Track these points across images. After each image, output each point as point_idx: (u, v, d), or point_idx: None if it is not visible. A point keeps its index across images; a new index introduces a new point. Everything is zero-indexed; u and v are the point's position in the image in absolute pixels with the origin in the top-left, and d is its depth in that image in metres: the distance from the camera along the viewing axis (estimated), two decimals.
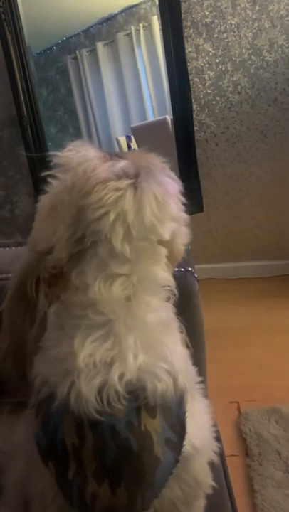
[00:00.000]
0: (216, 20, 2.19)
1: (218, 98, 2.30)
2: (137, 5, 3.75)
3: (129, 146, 3.75)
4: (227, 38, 2.21)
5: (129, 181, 0.53)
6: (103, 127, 4.22)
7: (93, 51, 4.03)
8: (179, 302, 0.59)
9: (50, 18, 3.31)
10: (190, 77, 2.27)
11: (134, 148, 3.55)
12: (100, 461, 0.48)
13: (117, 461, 0.48)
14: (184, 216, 0.59)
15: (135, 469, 0.48)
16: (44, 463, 0.51)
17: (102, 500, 0.48)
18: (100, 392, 0.49)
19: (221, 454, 0.78)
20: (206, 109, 2.33)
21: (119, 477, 0.48)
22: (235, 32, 2.19)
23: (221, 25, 2.19)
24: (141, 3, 3.73)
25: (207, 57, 2.25)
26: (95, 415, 0.48)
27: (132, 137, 3.61)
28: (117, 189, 0.52)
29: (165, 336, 0.54)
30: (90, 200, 0.52)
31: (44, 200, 0.57)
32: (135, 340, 0.51)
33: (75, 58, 4.14)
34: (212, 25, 2.20)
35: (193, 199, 2.33)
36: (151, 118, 3.89)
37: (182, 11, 2.18)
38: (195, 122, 2.34)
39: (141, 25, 3.74)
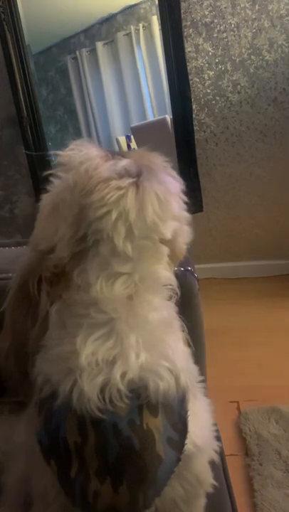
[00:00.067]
0: (216, 20, 2.19)
1: (217, 98, 2.30)
2: (136, 5, 3.74)
3: (128, 146, 3.75)
4: (227, 37, 2.21)
5: (131, 180, 0.53)
6: (103, 127, 4.22)
7: (93, 51, 4.03)
8: (178, 302, 0.59)
9: (49, 18, 3.31)
10: (190, 77, 2.27)
11: (134, 148, 3.55)
12: (102, 460, 0.48)
13: (119, 460, 0.48)
14: (186, 215, 0.59)
15: (137, 468, 0.48)
16: (46, 461, 0.51)
17: (104, 498, 0.48)
18: (102, 390, 0.49)
19: (221, 454, 0.78)
20: (206, 109, 2.33)
21: (121, 475, 0.48)
22: (234, 32, 2.19)
23: (220, 25, 2.20)
24: (140, 3, 3.73)
25: (207, 57, 2.25)
26: (97, 413, 0.48)
27: (132, 137, 3.61)
28: (119, 188, 0.52)
29: (167, 335, 0.54)
30: (92, 199, 0.52)
31: (46, 199, 0.57)
32: (137, 339, 0.51)
33: (75, 58, 4.14)
34: (212, 24, 2.20)
35: (193, 199, 2.33)
36: (150, 118, 3.89)
37: (182, 11, 2.18)
38: (195, 122, 2.34)
39: (140, 25, 3.74)
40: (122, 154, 0.57)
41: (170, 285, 0.57)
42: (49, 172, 0.57)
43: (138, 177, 0.53)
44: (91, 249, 0.53)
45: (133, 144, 3.63)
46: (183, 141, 2.39)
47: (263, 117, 2.29)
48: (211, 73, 2.27)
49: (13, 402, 0.79)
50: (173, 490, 0.53)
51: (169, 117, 2.82)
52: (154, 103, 3.93)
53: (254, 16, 2.16)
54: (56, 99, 4.41)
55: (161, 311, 0.54)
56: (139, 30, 3.75)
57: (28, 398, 0.57)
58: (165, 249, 0.56)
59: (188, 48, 2.24)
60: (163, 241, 0.55)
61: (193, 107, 2.32)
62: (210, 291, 2.24)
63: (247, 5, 2.15)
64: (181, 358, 0.54)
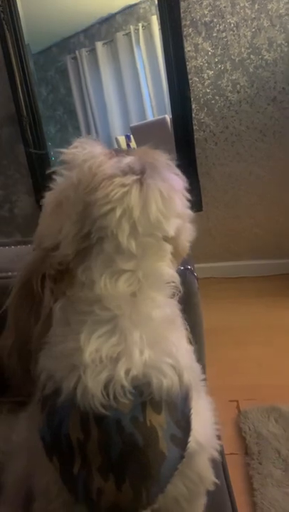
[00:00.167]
0: (215, 20, 2.19)
1: (217, 97, 2.30)
2: (136, 4, 3.74)
3: (128, 146, 3.75)
4: (226, 37, 2.21)
5: (135, 177, 0.53)
6: (102, 127, 4.22)
7: (92, 51, 4.03)
8: (178, 301, 0.59)
9: (49, 18, 3.32)
10: (189, 77, 2.28)
11: (134, 148, 3.54)
12: (105, 456, 0.48)
13: (123, 456, 0.48)
14: (189, 213, 0.59)
15: (140, 464, 0.48)
16: (48, 458, 0.51)
17: (107, 495, 0.48)
18: (106, 387, 0.49)
19: (221, 453, 0.78)
20: (205, 108, 2.33)
21: (124, 472, 0.48)
22: (234, 31, 2.19)
23: (220, 25, 2.20)
24: (140, 3, 3.73)
25: (206, 57, 2.25)
26: (100, 410, 0.48)
27: (132, 137, 3.61)
28: (123, 185, 0.52)
29: (170, 332, 0.54)
30: (96, 196, 0.52)
31: (49, 197, 0.57)
32: (141, 336, 0.51)
33: (75, 58, 4.14)
34: (211, 24, 2.20)
35: (192, 198, 2.34)
36: (150, 117, 3.89)
37: (181, 10, 2.18)
38: (194, 121, 2.34)
39: (140, 24, 3.74)
40: (125, 152, 0.58)
41: (173, 282, 0.57)
42: (52, 170, 0.58)
43: (142, 174, 0.54)
44: (95, 247, 0.53)
45: (133, 144, 3.63)
46: (182, 141, 2.39)
47: (263, 117, 2.29)
48: (211, 73, 2.27)
49: (12, 402, 0.79)
50: (175, 488, 0.53)
51: (168, 117, 2.82)
52: (153, 103, 3.93)
53: (253, 16, 2.16)
54: (56, 99, 4.41)
55: (164, 308, 0.55)
56: (138, 30, 3.75)
57: (30, 396, 0.57)
58: (168, 247, 0.56)
59: (188, 47, 2.24)
60: (166, 238, 0.56)
61: (193, 106, 2.32)
62: (210, 290, 2.24)
63: (246, 4, 2.15)
64: (184, 355, 0.54)
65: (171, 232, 0.55)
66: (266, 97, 2.26)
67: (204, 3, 2.17)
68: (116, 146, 3.82)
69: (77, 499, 0.50)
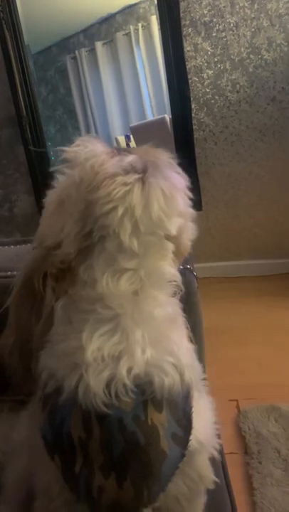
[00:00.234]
0: (215, 19, 2.19)
1: (216, 97, 2.30)
2: (135, 4, 3.75)
3: (128, 146, 3.75)
4: (226, 36, 2.21)
5: (137, 176, 0.53)
6: (102, 127, 4.22)
7: (92, 51, 4.04)
8: (179, 300, 0.59)
9: (49, 18, 3.32)
10: (189, 76, 2.28)
11: (136, 147, 3.55)
12: (107, 455, 0.48)
13: (124, 455, 0.48)
14: (191, 211, 0.60)
15: (142, 463, 0.48)
16: (50, 456, 0.51)
17: (108, 493, 0.48)
18: (108, 385, 0.49)
19: (221, 452, 0.78)
20: (205, 108, 2.33)
21: (125, 470, 0.48)
22: (233, 31, 2.20)
23: (219, 24, 2.20)
24: (139, 3, 3.74)
25: (206, 56, 2.25)
26: (102, 408, 0.48)
27: (131, 137, 3.60)
28: (125, 184, 0.52)
29: (172, 331, 0.54)
30: (98, 194, 0.52)
31: (51, 195, 0.57)
32: (143, 335, 0.51)
33: (74, 58, 4.15)
34: (211, 24, 2.20)
35: (192, 198, 2.34)
36: (150, 117, 3.90)
37: (181, 10, 2.18)
38: (194, 121, 2.34)
39: (140, 24, 3.74)
40: (127, 150, 0.58)
41: (175, 281, 0.57)
42: (54, 168, 0.58)
43: (144, 173, 0.54)
44: (97, 245, 0.53)
45: (132, 144, 3.63)
46: (182, 141, 2.39)
47: (262, 116, 2.29)
48: (210, 72, 2.27)
49: (12, 401, 0.79)
50: (175, 487, 0.53)
51: (168, 117, 2.83)
52: (153, 102, 3.93)
53: (253, 15, 2.16)
54: (55, 99, 4.42)
55: (166, 307, 0.55)
56: (138, 29, 3.76)
57: (31, 395, 0.57)
58: (170, 246, 0.56)
59: (187, 47, 2.24)
60: (168, 237, 0.56)
61: (193, 106, 2.32)
62: (209, 290, 2.24)
63: (246, 4, 2.15)
64: (185, 354, 0.54)
65: (173, 230, 0.55)
66: (266, 97, 2.26)
67: (204, 3, 2.18)
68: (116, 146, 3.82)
69: (78, 498, 0.50)
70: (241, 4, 2.16)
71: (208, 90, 2.30)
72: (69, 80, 4.20)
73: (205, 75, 2.28)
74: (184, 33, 2.22)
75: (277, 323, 1.96)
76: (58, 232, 0.54)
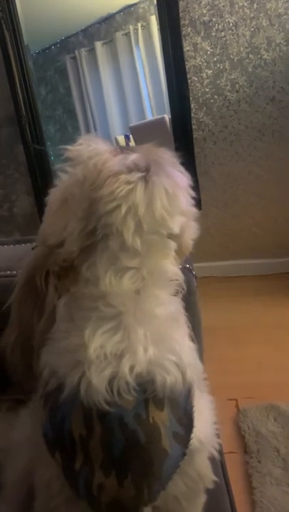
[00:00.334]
0: (214, 19, 2.19)
1: (216, 97, 2.30)
2: (135, 4, 3.75)
3: (127, 146, 3.75)
4: (225, 36, 2.21)
5: (140, 174, 0.53)
6: (102, 126, 4.22)
7: (92, 50, 4.03)
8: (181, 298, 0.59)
9: (48, 18, 3.32)
10: (188, 76, 2.28)
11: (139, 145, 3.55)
12: (108, 453, 0.48)
13: (125, 453, 0.48)
14: (193, 210, 0.60)
15: (142, 461, 0.48)
16: (51, 454, 0.51)
17: (108, 491, 0.48)
18: (110, 383, 0.49)
19: (220, 451, 0.78)
20: (204, 108, 2.33)
21: (126, 469, 0.48)
22: (233, 30, 2.20)
23: (218, 24, 2.20)
24: (139, 3, 3.74)
25: (205, 56, 2.25)
26: (104, 406, 0.48)
27: (131, 136, 3.61)
28: (129, 182, 0.52)
29: (173, 330, 0.54)
30: (101, 193, 0.52)
31: (54, 194, 0.57)
32: (145, 333, 0.51)
33: (74, 58, 4.15)
34: (210, 23, 2.20)
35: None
36: (149, 117, 3.90)
37: (180, 10, 2.18)
38: (193, 121, 2.35)
39: (139, 24, 3.74)
40: (130, 149, 0.58)
41: (177, 280, 0.57)
42: (57, 167, 0.58)
43: (147, 171, 0.54)
44: (100, 243, 0.53)
45: (132, 144, 3.63)
46: (181, 140, 2.39)
47: (261, 116, 2.29)
48: (210, 72, 2.27)
49: (11, 400, 0.79)
50: (175, 486, 0.53)
51: (167, 116, 2.82)
52: (152, 102, 3.93)
53: (252, 15, 2.16)
54: (55, 99, 4.41)
55: (168, 305, 0.55)
56: (137, 29, 3.76)
57: (31, 394, 0.57)
58: (172, 245, 0.57)
59: (187, 46, 2.25)
60: (171, 236, 0.56)
61: (192, 105, 2.32)
62: (209, 289, 2.24)
63: (245, 4, 2.15)
64: (187, 353, 0.54)
65: (175, 229, 0.55)
66: (265, 97, 2.26)
67: (203, 3, 2.18)
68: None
69: (78, 495, 0.50)
70: (240, 4, 2.16)
71: (207, 90, 2.30)
72: (68, 79, 4.20)
73: (204, 75, 2.28)
74: (184, 32, 2.23)
75: (276, 322, 1.96)
76: (61, 230, 0.54)
